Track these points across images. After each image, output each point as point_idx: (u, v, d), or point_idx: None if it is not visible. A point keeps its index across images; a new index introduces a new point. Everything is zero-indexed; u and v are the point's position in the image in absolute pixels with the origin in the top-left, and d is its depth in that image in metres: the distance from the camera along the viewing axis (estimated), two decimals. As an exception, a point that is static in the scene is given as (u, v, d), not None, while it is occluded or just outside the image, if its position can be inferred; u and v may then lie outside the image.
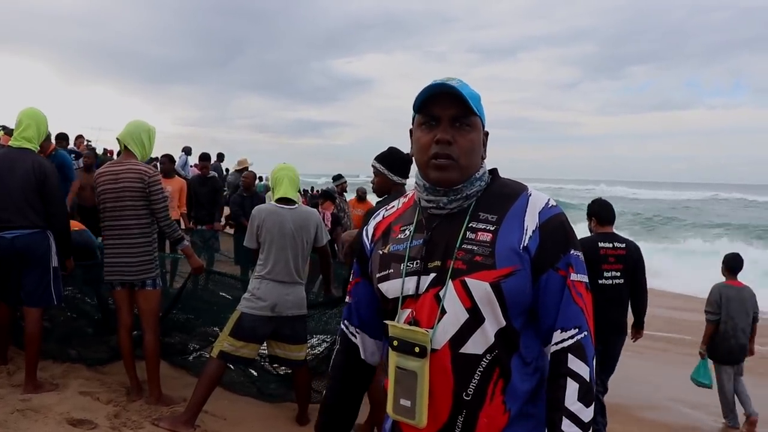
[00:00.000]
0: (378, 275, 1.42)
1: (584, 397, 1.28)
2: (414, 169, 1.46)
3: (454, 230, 1.35)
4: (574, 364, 1.30)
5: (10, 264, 3.82)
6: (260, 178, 19.47)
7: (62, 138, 9.43)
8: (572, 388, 1.28)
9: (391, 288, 1.38)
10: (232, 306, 3.83)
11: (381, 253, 1.44)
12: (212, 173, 8.44)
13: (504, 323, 1.29)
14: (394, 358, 1.34)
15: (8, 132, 7.03)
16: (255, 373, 4.39)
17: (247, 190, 8.04)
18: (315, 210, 4.00)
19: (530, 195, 1.37)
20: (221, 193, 8.36)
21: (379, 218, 1.53)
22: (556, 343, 1.32)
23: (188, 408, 3.57)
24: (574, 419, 1.27)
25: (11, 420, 3.37)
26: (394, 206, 1.54)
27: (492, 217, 1.34)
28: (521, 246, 1.30)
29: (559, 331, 1.31)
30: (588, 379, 1.29)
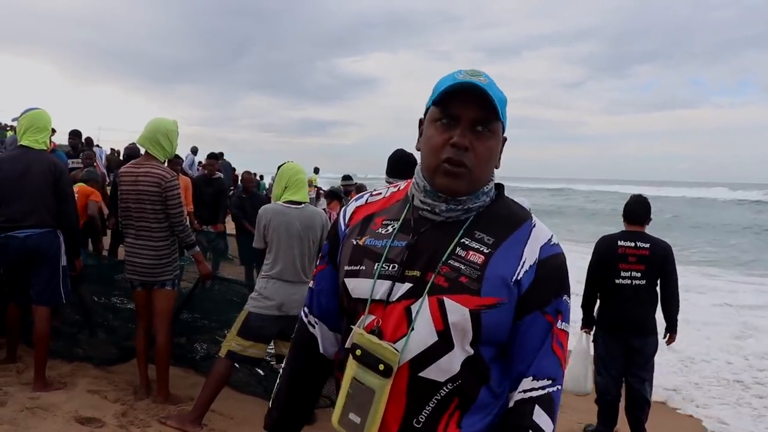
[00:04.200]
0: (346, 268, 1.27)
1: None
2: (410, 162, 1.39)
3: (443, 241, 1.20)
4: (540, 418, 1.17)
5: (21, 263, 3.86)
6: (261, 177, 19.47)
7: (75, 135, 9.47)
8: None
9: (358, 287, 1.23)
10: (240, 306, 3.85)
11: (355, 243, 1.28)
12: (218, 174, 8.36)
13: (472, 352, 1.16)
14: (353, 368, 1.20)
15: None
16: (262, 373, 4.40)
17: (246, 191, 8.01)
18: (321, 210, 4.01)
19: (534, 226, 1.24)
20: (226, 194, 8.30)
21: (361, 201, 1.37)
22: (525, 391, 1.18)
23: (195, 407, 3.59)
24: None
25: (20, 418, 3.40)
26: (381, 193, 1.37)
27: (488, 239, 1.20)
28: (513, 278, 1.17)
29: (531, 378, 1.18)
30: None
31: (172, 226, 3.79)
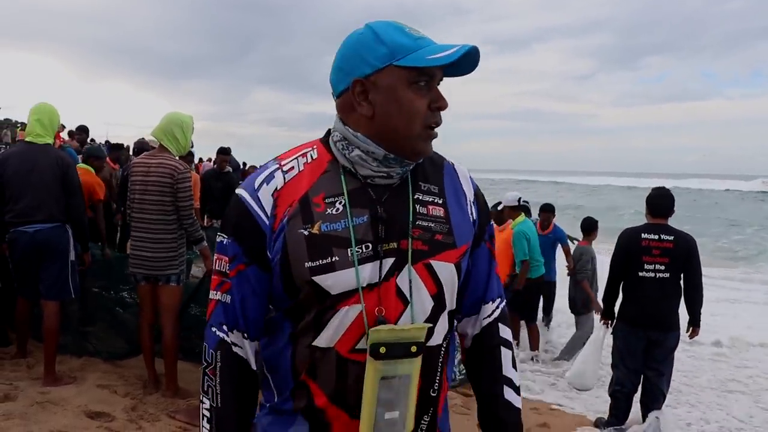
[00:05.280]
0: (310, 264, 1.08)
1: (514, 364, 1.29)
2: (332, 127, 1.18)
3: (399, 204, 1.14)
4: (504, 332, 1.28)
5: (31, 258, 3.88)
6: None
7: (83, 130, 9.52)
8: (507, 357, 1.27)
9: (338, 281, 1.08)
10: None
11: (307, 233, 1.09)
12: (228, 169, 8.45)
13: (454, 305, 1.21)
14: (377, 368, 1.07)
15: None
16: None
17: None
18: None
19: (452, 163, 1.26)
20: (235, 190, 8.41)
21: (277, 183, 1.14)
22: (488, 316, 1.28)
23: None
24: (512, 385, 1.26)
25: (31, 412, 3.42)
26: (293, 167, 1.16)
27: (434, 188, 1.19)
28: (471, 219, 1.22)
29: (490, 302, 1.28)
30: (512, 343, 1.31)
31: (180, 219, 3.77)
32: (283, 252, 1.10)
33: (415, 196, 1.16)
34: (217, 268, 1.17)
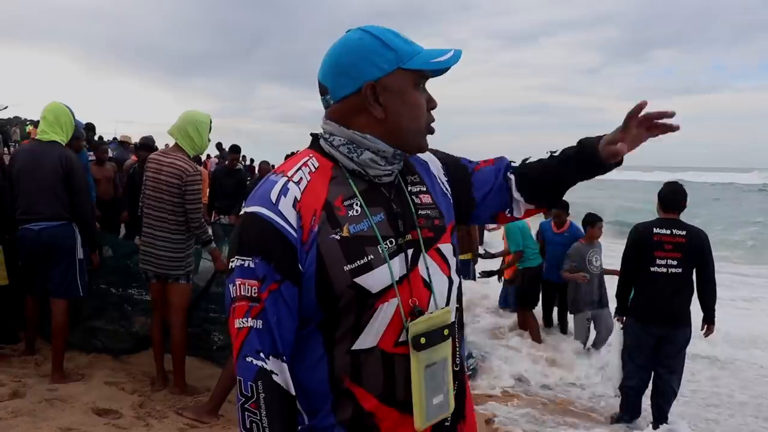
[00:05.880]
0: (350, 267, 1.09)
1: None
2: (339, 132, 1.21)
3: (404, 198, 1.23)
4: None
5: (37, 256, 3.88)
6: (273, 166, 19.60)
7: (89, 128, 9.56)
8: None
9: (376, 280, 1.11)
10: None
11: (339, 237, 1.10)
12: (239, 166, 8.62)
13: (457, 278, 1.28)
14: (420, 360, 1.12)
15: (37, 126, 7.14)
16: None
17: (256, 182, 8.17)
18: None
19: None
20: (245, 186, 8.52)
21: (294, 194, 1.13)
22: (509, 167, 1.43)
23: (212, 398, 3.59)
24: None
25: (39, 409, 3.42)
26: (302, 178, 1.16)
27: (416, 178, 1.29)
28: (449, 192, 1.34)
29: (503, 168, 1.42)
30: None
31: (188, 221, 3.77)
32: (318, 261, 1.09)
33: (409, 189, 1.25)
34: (242, 293, 1.10)
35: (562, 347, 5.96)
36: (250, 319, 1.09)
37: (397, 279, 1.13)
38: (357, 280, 1.09)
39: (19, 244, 3.91)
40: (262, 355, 1.09)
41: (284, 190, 1.13)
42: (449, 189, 1.35)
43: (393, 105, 1.16)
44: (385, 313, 1.11)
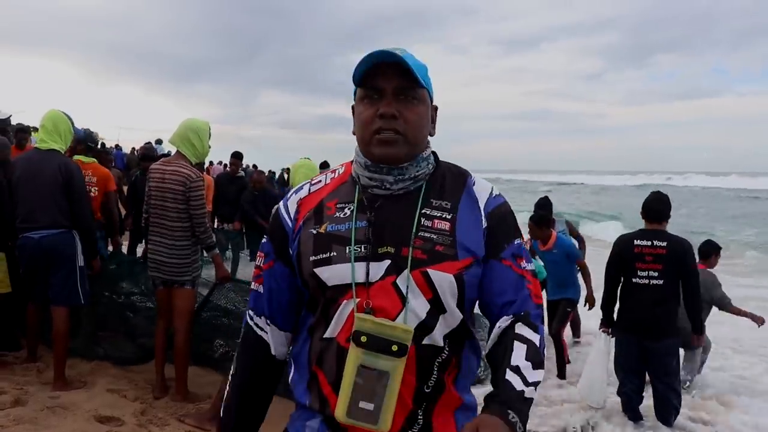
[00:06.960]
0: (313, 258, 1.24)
1: (531, 358, 1.17)
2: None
3: (404, 215, 1.25)
4: (522, 329, 1.21)
5: (38, 263, 3.89)
6: (273, 174, 19.54)
7: (89, 136, 9.59)
8: (520, 348, 1.18)
9: (334, 274, 1.22)
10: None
11: (315, 232, 1.26)
12: (241, 173, 8.56)
13: (460, 314, 1.24)
14: (358, 355, 1.17)
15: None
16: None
17: (257, 188, 8.10)
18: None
19: (475, 182, 1.33)
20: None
21: (303, 193, 1.35)
22: (506, 322, 1.25)
23: (214, 404, 3.58)
24: (518, 372, 1.14)
25: (41, 417, 3.42)
26: (320, 181, 1.37)
27: (446, 204, 1.27)
28: (481, 235, 1.26)
29: (505, 317, 1.25)
30: (537, 344, 1.20)
31: (193, 226, 3.78)
32: (297, 249, 1.28)
33: (423, 211, 1.26)
34: (257, 263, 1.38)
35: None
36: (255, 283, 1.38)
37: (362, 281, 1.20)
38: (316, 270, 1.23)
39: (20, 252, 3.92)
40: (251, 312, 1.38)
41: (298, 190, 1.37)
42: (485, 236, 1.27)
43: (355, 120, 1.30)
44: (344, 308, 1.21)
